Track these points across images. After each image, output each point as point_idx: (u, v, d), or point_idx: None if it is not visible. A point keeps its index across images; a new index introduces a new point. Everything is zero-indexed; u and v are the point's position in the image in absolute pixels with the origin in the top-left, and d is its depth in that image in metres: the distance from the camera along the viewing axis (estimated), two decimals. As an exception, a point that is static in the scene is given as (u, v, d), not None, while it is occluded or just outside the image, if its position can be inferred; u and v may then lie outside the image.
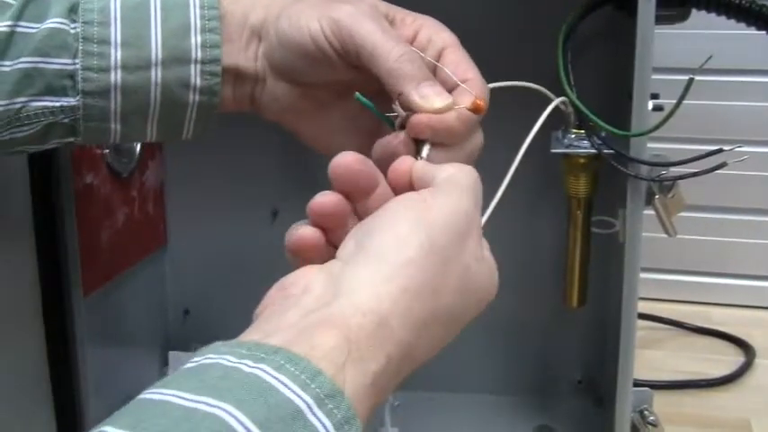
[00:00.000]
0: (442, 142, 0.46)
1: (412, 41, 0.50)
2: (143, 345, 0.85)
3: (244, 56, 0.52)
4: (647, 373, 0.96)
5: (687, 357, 1.04)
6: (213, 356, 0.34)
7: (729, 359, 1.03)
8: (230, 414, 0.30)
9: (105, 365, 0.75)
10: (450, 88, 0.48)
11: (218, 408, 0.30)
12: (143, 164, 0.81)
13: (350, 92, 0.51)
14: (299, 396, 0.32)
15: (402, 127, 0.47)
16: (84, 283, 0.70)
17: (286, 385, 0.32)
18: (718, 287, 1.18)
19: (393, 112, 0.47)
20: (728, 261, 1.17)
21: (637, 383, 0.67)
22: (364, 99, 0.47)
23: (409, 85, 0.46)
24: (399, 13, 0.51)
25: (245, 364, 0.33)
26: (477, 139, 0.48)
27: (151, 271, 0.86)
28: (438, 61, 0.49)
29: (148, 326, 0.86)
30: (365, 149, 0.49)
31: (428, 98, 0.46)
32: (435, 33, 0.51)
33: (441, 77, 0.49)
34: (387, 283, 0.38)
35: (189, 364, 0.34)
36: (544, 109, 0.53)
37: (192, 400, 0.31)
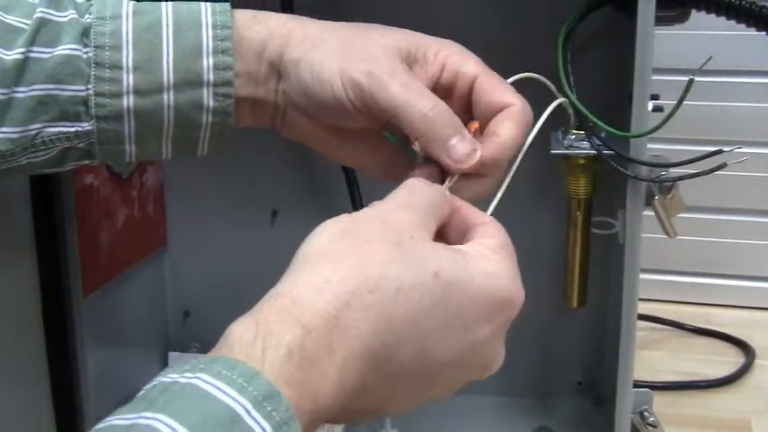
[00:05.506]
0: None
1: (439, 77, 0.50)
2: (143, 345, 0.85)
3: (263, 89, 0.51)
4: (647, 373, 0.96)
5: (687, 358, 1.04)
6: (158, 378, 0.34)
7: (729, 360, 1.03)
8: (165, 424, 0.30)
9: (105, 366, 0.75)
10: (494, 113, 0.49)
11: (155, 419, 0.30)
12: (142, 165, 0.81)
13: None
14: (235, 400, 0.32)
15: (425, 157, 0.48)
16: (84, 284, 0.70)
17: (223, 391, 0.32)
18: (717, 288, 1.18)
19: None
20: (728, 262, 1.17)
21: (637, 384, 0.67)
22: (394, 138, 0.49)
23: (438, 147, 0.47)
24: (422, 46, 0.51)
25: (184, 377, 0.33)
26: (504, 166, 0.49)
27: (151, 272, 0.86)
28: (471, 91, 0.50)
29: (148, 326, 0.86)
30: (387, 167, 0.52)
31: (459, 162, 0.47)
32: (462, 63, 0.51)
33: (479, 110, 0.50)
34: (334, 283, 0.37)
35: (140, 392, 0.34)
36: (544, 110, 0.53)
37: (131, 419, 0.31)
